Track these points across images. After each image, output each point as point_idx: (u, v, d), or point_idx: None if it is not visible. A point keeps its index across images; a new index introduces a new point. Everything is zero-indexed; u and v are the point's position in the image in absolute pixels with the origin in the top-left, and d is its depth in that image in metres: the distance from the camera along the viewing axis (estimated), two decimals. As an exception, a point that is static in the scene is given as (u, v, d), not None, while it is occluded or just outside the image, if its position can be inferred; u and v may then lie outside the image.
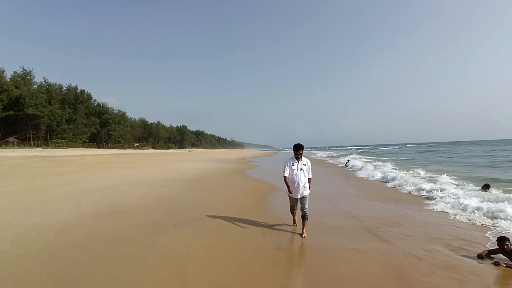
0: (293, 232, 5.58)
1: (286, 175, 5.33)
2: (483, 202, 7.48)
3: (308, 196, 5.42)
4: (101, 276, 3.60)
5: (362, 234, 5.57)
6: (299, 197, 5.36)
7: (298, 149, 5.25)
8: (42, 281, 3.44)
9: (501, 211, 6.56)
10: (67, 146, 61.90)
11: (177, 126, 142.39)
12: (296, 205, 5.55)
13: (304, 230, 5.31)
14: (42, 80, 65.33)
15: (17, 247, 4.47)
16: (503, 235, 4.79)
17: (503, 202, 7.20)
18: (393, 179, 13.23)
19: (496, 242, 4.35)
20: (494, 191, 9.34)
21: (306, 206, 5.36)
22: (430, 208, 7.89)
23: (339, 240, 5.18)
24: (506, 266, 4.04)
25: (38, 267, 3.83)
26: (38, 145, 57.81)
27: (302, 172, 5.29)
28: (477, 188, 10.18)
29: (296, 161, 5.32)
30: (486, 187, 9.45)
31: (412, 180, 12.24)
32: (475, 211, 7.03)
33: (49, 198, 8.10)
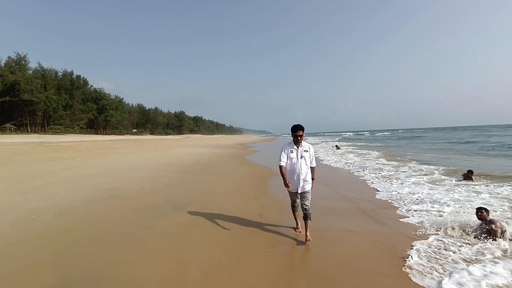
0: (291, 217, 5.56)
1: (283, 164, 4.32)
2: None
3: (310, 191, 4.42)
4: (102, 256, 3.67)
5: (357, 216, 5.66)
6: (299, 191, 4.34)
7: (297, 130, 4.24)
8: (44, 262, 3.50)
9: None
10: (64, 133, 61.62)
11: (175, 112, 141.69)
12: (297, 200, 4.55)
13: (308, 233, 4.27)
14: (37, 66, 64.32)
15: (18, 230, 4.52)
16: (480, 205, 4.90)
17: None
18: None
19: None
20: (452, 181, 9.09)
21: (308, 203, 4.36)
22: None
23: (335, 221, 5.27)
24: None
25: (39, 248, 3.89)
26: (35, 132, 57.50)
27: (303, 161, 4.31)
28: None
29: (295, 147, 4.35)
30: (469, 173, 8.85)
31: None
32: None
33: (47, 183, 8.14)
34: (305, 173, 4.33)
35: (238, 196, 7.25)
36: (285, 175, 4.28)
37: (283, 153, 4.40)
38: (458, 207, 5.93)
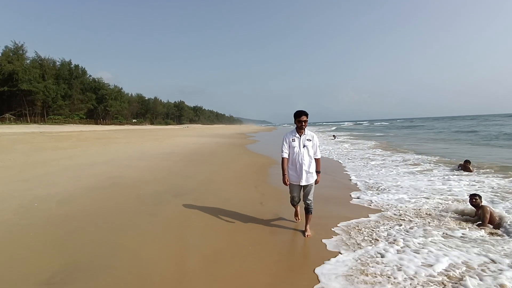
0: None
1: (285, 156, 4.03)
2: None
3: (314, 185, 4.12)
4: (104, 243, 3.71)
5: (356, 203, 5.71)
6: (303, 184, 4.01)
7: (301, 115, 3.90)
8: (47, 248, 3.54)
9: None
10: (64, 123, 61.45)
11: (175, 102, 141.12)
12: (298, 195, 4.19)
13: (308, 227, 4.09)
14: (34, 55, 63.60)
15: (20, 217, 4.57)
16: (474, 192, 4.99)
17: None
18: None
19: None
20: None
21: (311, 197, 4.07)
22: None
23: (334, 209, 5.31)
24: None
25: (43, 235, 3.94)
26: (35, 122, 57.39)
27: (306, 150, 3.99)
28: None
29: (298, 136, 4.02)
30: (466, 163, 8.62)
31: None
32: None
33: (49, 172, 8.17)
34: (308, 164, 3.99)
35: (238, 185, 7.29)
36: (286, 170, 4.03)
37: (284, 143, 4.07)
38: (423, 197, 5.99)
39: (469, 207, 4.81)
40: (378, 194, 6.34)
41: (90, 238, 3.85)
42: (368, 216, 4.84)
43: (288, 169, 4.07)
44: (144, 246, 3.62)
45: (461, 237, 3.99)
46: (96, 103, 75.57)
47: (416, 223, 4.49)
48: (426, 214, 4.95)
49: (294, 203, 4.33)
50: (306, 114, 3.95)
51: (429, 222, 4.52)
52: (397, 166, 10.10)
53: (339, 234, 4.07)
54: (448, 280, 2.88)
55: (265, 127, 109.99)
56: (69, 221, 4.45)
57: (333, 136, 28.48)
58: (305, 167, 3.96)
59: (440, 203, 5.51)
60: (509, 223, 4.22)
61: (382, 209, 5.23)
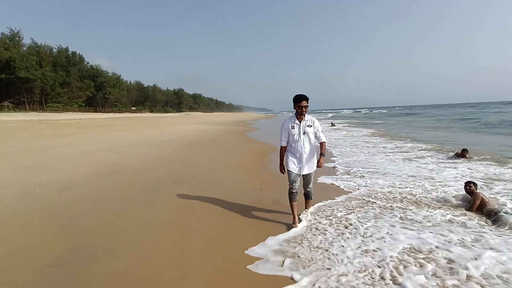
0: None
1: (284, 144, 3.88)
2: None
3: (313, 173, 3.97)
4: (106, 228, 3.75)
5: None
6: (303, 172, 3.84)
7: (301, 100, 3.63)
8: (50, 233, 3.59)
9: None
10: (63, 110, 61.17)
11: (174, 89, 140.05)
12: (297, 182, 3.90)
13: (309, 213, 4.15)
14: (30, 42, 62.62)
15: (22, 203, 4.60)
16: (469, 180, 5.00)
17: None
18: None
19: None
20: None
21: (311, 186, 4.03)
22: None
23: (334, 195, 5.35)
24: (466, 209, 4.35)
25: (45, 220, 3.98)
26: (33, 110, 57.10)
27: (306, 138, 3.76)
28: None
29: (297, 122, 3.77)
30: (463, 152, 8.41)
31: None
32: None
33: (49, 159, 8.18)
34: (309, 152, 3.78)
35: (238, 171, 7.32)
36: (283, 159, 3.91)
37: (283, 130, 3.83)
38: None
39: (460, 194, 4.83)
40: (354, 178, 6.49)
41: (92, 224, 3.90)
42: (334, 199, 4.97)
43: (288, 157, 3.87)
44: (145, 231, 3.67)
45: (422, 219, 4.03)
46: (94, 90, 74.96)
47: (382, 206, 4.54)
48: (401, 198, 4.96)
49: (292, 194, 3.89)
50: (306, 99, 3.67)
51: (405, 208, 4.49)
52: (388, 152, 10.08)
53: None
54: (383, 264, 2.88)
55: (265, 115, 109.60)
56: (71, 207, 4.49)
57: (331, 123, 28.34)
58: (305, 155, 3.76)
59: (425, 189, 5.49)
60: (502, 213, 3.98)
61: (350, 192, 5.38)
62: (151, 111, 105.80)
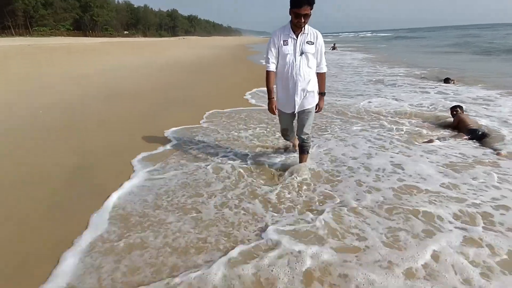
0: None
1: (271, 69, 2.67)
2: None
3: (313, 112, 2.83)
4: (116, 136, 3.92)
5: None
6: (297, 110, 2.78)
7: (300, 4, 2.37)
8: (62, 148, 3.76)
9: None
10: (50, 35, 57.62)
11: (168, 11, 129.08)
12: (292, 126, 2.98)
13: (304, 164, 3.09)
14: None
15: (28, 123, 4.73)
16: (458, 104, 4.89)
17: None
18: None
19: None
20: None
21: (308, 130, 2.85)
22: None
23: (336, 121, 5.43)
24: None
25: (53, 137, 4.15)
26: (20, 34, 53.78)
27: (303, 60, 2.60)
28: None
29: (293, 36, 2.58)
30: (446, 81, 8.05)
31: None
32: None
33: (47, 82, 8.10)
34: (307, 80, 2.66)
35: (239, 93, 7.27)
36: (272, 91, 2.70)
37: (271, 47, 2.63)
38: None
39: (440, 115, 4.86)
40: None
41: (100, 137, 4.05)
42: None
43: (279, 93, 2.79)
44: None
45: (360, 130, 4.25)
46: (81, 12, 69.19)
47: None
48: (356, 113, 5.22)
49: (286, 139, 3.23)
50: (309, 3, 2.37)
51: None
52: (372, 75, 9.83)
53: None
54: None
55: (265, 38, 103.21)
56: (75, 126, 4.62)
57: (333, 45, 24.87)
58: (301, 85, 2.65)
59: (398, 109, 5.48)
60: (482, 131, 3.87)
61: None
62: (145, 35, 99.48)
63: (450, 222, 2.14)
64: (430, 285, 1.60)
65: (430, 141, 3.86)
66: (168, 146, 3.74)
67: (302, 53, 2.59)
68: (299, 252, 1.84)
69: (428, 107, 5.60)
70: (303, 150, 2.98)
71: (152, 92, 7.27)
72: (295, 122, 2.96)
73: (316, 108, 2.81)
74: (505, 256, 1.81)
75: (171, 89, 7.61)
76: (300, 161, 3.04)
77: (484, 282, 1.61)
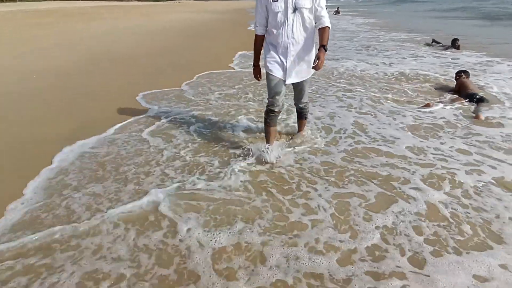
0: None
1: (261, 32, 2.38)
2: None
3: (309, 80, 2.52)
4: (112, 105, 3.90)
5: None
6: (290, 81, 2.39)
7: None
8: (59, 111, 3.76)
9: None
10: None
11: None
12: (281, 95, 2.42)
13: (303, 133, 2.94)
14: None
15: (24, 88, 4.68)
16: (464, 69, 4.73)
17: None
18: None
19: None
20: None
21: (305, 100, 2.66)
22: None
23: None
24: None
25: (50, 101, 4.13)
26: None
27: (298, 19, 2.21)
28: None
29: None
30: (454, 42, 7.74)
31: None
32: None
33: (40, 47, 7.93)
34: (303, 44, 2.28)
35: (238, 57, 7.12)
36: (259, 57, 2.46)
37: (259, 7, 2.28)
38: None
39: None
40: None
41: (96, 103, 4.02)
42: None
43: (268, 53, 2.37)
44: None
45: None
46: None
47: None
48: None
49: (274, 109, 2.45)
50: None
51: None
52: (366, 42, 9.40)
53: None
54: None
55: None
56: (71, 91, 4.58)
57: (337, 9, 23.30)
58: (293, 50, 2.27)
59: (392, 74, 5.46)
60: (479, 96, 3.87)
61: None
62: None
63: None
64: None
65: (427, 105, 3.82)
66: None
67: (295, 9, 2.16)
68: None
69: (425, 72, 5.49)
70: (301, 116, 2.84)
71: (146, 57, 7.11)
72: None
73: (314, 63, 2.11)
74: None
75: (166, 53, 7.44)
76: (299, 127, 2.94)
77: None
